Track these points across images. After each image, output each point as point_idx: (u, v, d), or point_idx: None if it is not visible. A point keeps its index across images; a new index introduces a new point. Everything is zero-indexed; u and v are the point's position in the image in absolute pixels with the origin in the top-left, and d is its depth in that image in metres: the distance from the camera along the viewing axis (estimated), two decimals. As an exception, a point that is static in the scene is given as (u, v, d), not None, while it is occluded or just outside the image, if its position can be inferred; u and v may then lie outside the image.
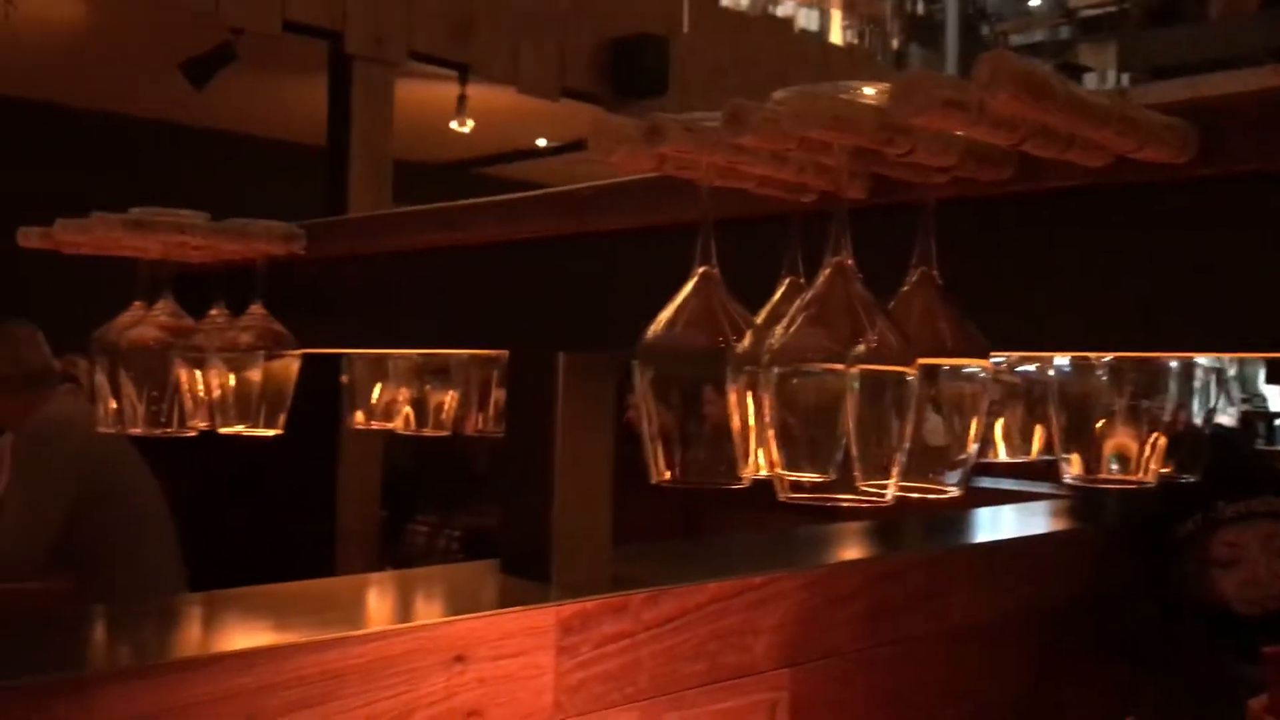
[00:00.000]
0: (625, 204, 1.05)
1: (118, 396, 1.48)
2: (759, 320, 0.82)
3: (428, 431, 1.67)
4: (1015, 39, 9.64)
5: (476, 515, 4.44)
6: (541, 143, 6.13)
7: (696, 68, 5.02)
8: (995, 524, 1.99)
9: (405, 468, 4.47)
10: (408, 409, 1.70)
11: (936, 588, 1.58)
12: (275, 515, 4.27)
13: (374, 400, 1.75)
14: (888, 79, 0.69)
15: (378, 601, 1.25)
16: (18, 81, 4.95)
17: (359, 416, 1.75)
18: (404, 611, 1.20)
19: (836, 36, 7.51)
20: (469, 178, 6.68)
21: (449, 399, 1.68)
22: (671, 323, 0.81)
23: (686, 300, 0.82)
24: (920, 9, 9.86)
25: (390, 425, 1.71)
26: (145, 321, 1.45)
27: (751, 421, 0.78)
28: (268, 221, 1.47)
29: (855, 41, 7.64)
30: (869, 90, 0.73)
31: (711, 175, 0.82)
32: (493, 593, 1.22)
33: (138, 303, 1.50)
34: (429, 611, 1.15)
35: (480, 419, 1.68)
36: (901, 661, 1.51)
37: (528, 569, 1.23)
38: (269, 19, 3.76)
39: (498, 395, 1.70)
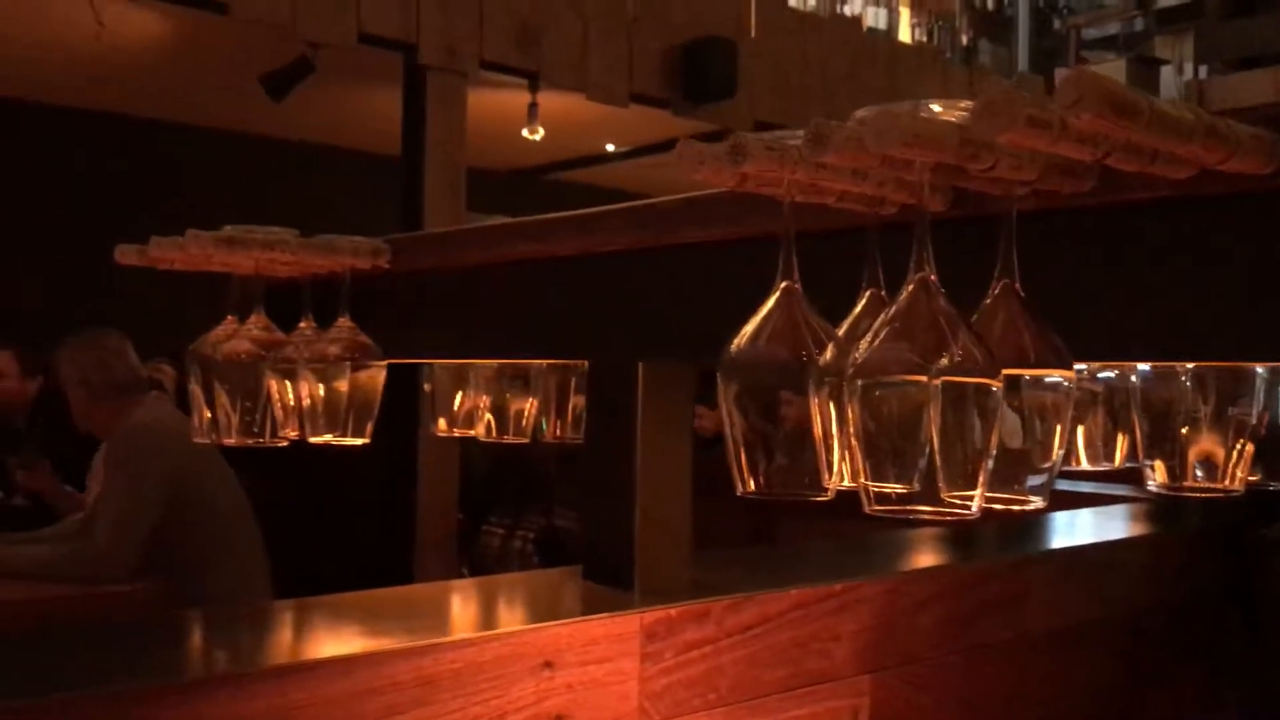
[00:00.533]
0: (706, 217, 1.07)
1: (212, 407, 1.53)
2: (841, 333, 0.83)
3: (509, 438, 1.70)
4: (1089, 32, 9.47)
5: (549, 517, 4.48)
6: (610, 148, 6.17)
7: (764, 69, 5.02)
8: (1073, 528, 1.97)
9: (479, 470, 4.53)
10: (489, 416, 1.74)
11: (1014, 594, 1.57)
12: (354, 519, 4.36)
13: (456, 408, 1.79)
14: (957, 77, 0.70)
15: (466, 608, 1.28)
16: (108, 96, 5.11)
17: (442, 424, 1.79)
18: (492, 618, 1.23)
19: (905, 34, 7.45)
20: (539, 183, 6.75)
21: (529, 406, 1.71)
22: (755, 336, 0.83)
23: (769, 314, 0.83)
24: (990, 4, 9.73)
25: (472, 432, 1.74)
26: (238, 335, 1.50)
27: (835, 433, 0.79)
28: (354, 237, 1.51)
29: (924, 39, 7.57)
30: (946, 106, 0.74)
31: (793, 191, 0.84)
32: (577, 600, 1.25)
33: (230, 316, 1.55)
34: (517, 618, 1.17)
35: (559, 426, 1.71)
36: (979, 668, 1.51)
37: (610, 576, 1.25)
38: (345, 32, 3.84)
39: (575, 402, 1.73)
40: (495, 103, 4.79)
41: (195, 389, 1.54)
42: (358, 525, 4.41)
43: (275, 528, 3.38)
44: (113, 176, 5.52)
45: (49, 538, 3.18)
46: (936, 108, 0.73)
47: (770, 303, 0.84)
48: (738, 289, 0.95)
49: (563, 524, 4.28)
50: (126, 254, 1.55)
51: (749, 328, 0.84)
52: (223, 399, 1.53)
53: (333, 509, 4.32)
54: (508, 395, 1.74)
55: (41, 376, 4.12)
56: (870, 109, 0.72)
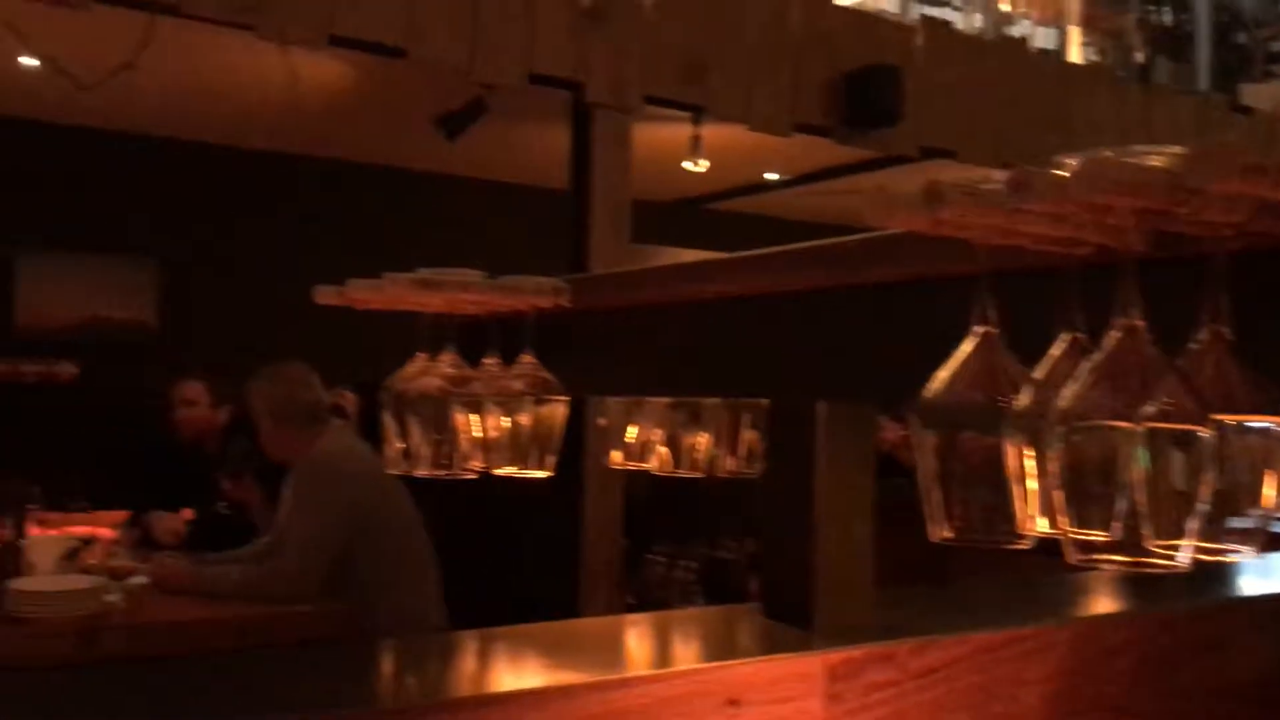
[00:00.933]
0: (892, 256, 1.07)
1: (404, 440, 1.61)
2: (1039, 377, 0.82)
3: (683, 472, 1.72)
4: (1277, 46, 9.00)
5: (711, 548, 4.50)
6: (772, 176, 6.17)
7: (930, 94, 4.95)
8: (1274, 572, 1.87)
9: (640, 498, 4.58)
10: (662, 450, 1.76)
11: (1213, 640, 1.51)
12: (519, 546, 4.46)
13: (629, 440, 1.82)
14: (1133, 97, 0.69)
15: (648, 643, 1.31)
16: (299, 139, 5.42)
17: (616, 456, 1.83)
18: (677, 654, 1.25)
19: (1076, 54, 7.23)
20: (700, 213, 6.80)
21: (702, 440, 1.73)
22: (952, 381, 0.83)
23: (966, 360, 0.83)
24: (1167, 18, 9.35)
25: (646, 465, 1.77)
26: (429, 372, 1.57)
27: (1033, 480, 0.78)
28: (537, 278, 1.57)
29: (1096, 58, 7.33)
30: (1152, 151, 0.72)
31: (989, 235, 0.83)
32: (758, 638, 1.25)
33: (421, 353, 1.63)
34: (699, 655, 1.19)
35: (733, 460, 1.72)
36: (1175, 717, 1.45)
37: (790, 615, 1.25)
38: (516, 73, 3.96)
39: (748, 436, 1.74)
40: (659, 136, 4.86)
41: (389, 422, 1.61)
42: (523, 551, 4.50)
43: (444, 553, 3.48)
44: (298, 213, 5.83)
45: (242, 559, 3.36)
46: (1141, 151, 0.72)
47: (967, 347, 0.83)
48: (924, 328, 0.95)
49: (726, 556, 4.30)
50: (326, 295, 1.64)
51: (945, 372, 0.83)
52: (414, 432, 1.60)
53: (499, 535, 4.43)
54: (680, 429, 1.76)
55: (230, 405, 4.37)
56: (1075, 156, 0.72)
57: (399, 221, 5.90)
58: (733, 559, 4.33)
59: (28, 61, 3.74)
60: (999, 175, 0.76)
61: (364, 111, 4.91)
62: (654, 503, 4.62)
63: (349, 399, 4.36)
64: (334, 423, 3.51)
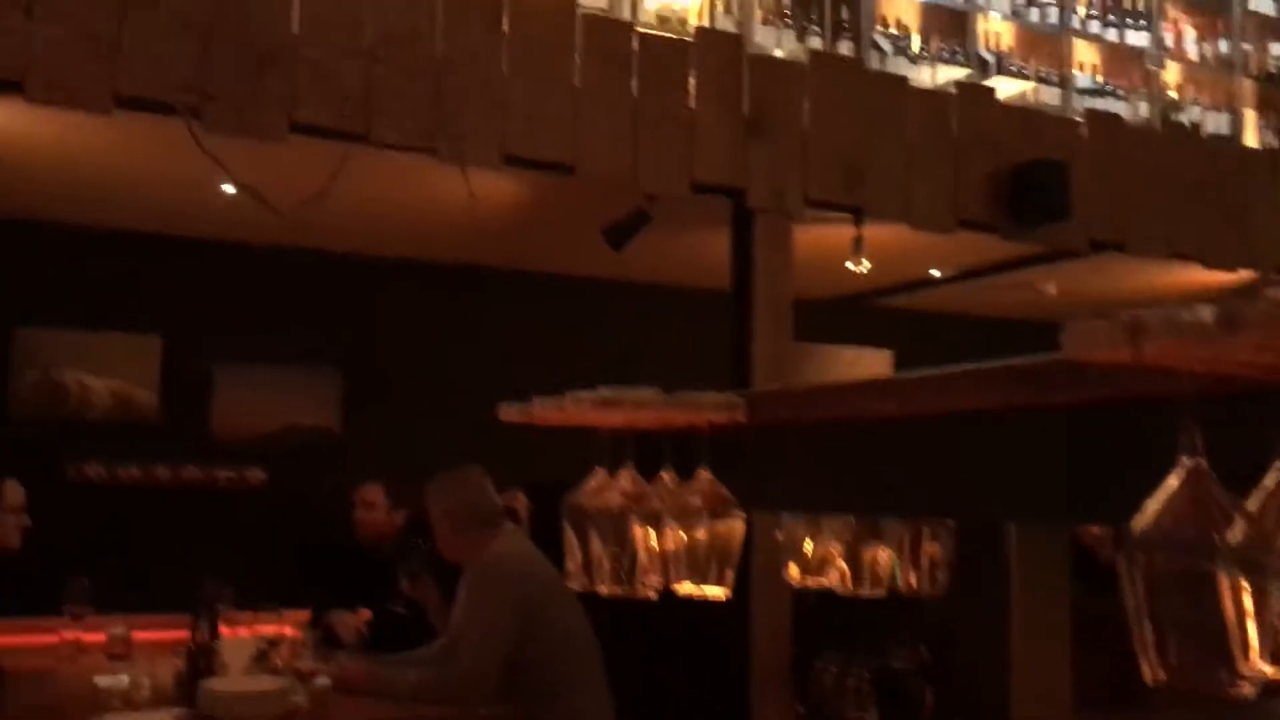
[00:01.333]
0: (1083, 379, 1.05)
1: (585, 554, 1.64)
2: (1254, 509, 0.79)
3: (864, 591, 1.70)
4: None
5: (883, 657, 4.37)
6: (935, 273, 6.10)
7: (1100, 187, 4.85)
8: None
9: (810, 604, 4.50)
10: (842, 565, 1.74)
11: None
12: (689, 652, 4.43)
13: (807, 555, 1.81)
14: None
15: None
16: (476, 252, 5.67)
17: (794, 572, 1.82)
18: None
19: (1252, 138, 6.98)
20: (863, 309, 6.76)
21: (883, 556, 1.70)
22: (1160, 515, 0.81)
23: (1175, 493, 0.81)
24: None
25: (826, 582, 1.76)
26: (609, 487, 1.60)
27: (1254, 620, 0.75)
28: (713, 393, 1.59)
29: (1275, 142, 7.06)
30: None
31: (1194, 365, 0.82)
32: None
33: (600, 469, 1.67)
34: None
35: (915, 577, 1.69)
36: None
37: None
38: (679, 183, 4.06)
39: (930, 550, 1.71)
40: (820, 236, 4.88)
41: (570, 537, 1.65)
42: (692, 658, 4.47)
43: (614, 657, 3.48)
44: (473, 321, 6.06)
45: (419, 661, 3.43)
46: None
47: (1175, 481, 0.81)
48: (1121, 451, 0.93)
49: (900, 665, 4.16)
50: (510, 412, 1.71)
51: (1153, 505, 0.81)
52: (595, 546, 1.63)
53: (668, 640, 4.40)
54: (860, 543, 1.74)
55: (408, 507, 4.51)
56: (1285, 288, 0.71)
57: (568, 326, 6.06)
58: (907, 669, 4.20)
59: (227, 189, 4.02)
60: (1203, 308, 0.75)
61: (535, 223, 5.10)
62: (823, 609, 4.53)
63: (521, 502, 4.46)
64: (507, 526, 3.59)
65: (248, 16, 3.38)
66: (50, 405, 5.33)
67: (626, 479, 1.60)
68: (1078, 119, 5.29)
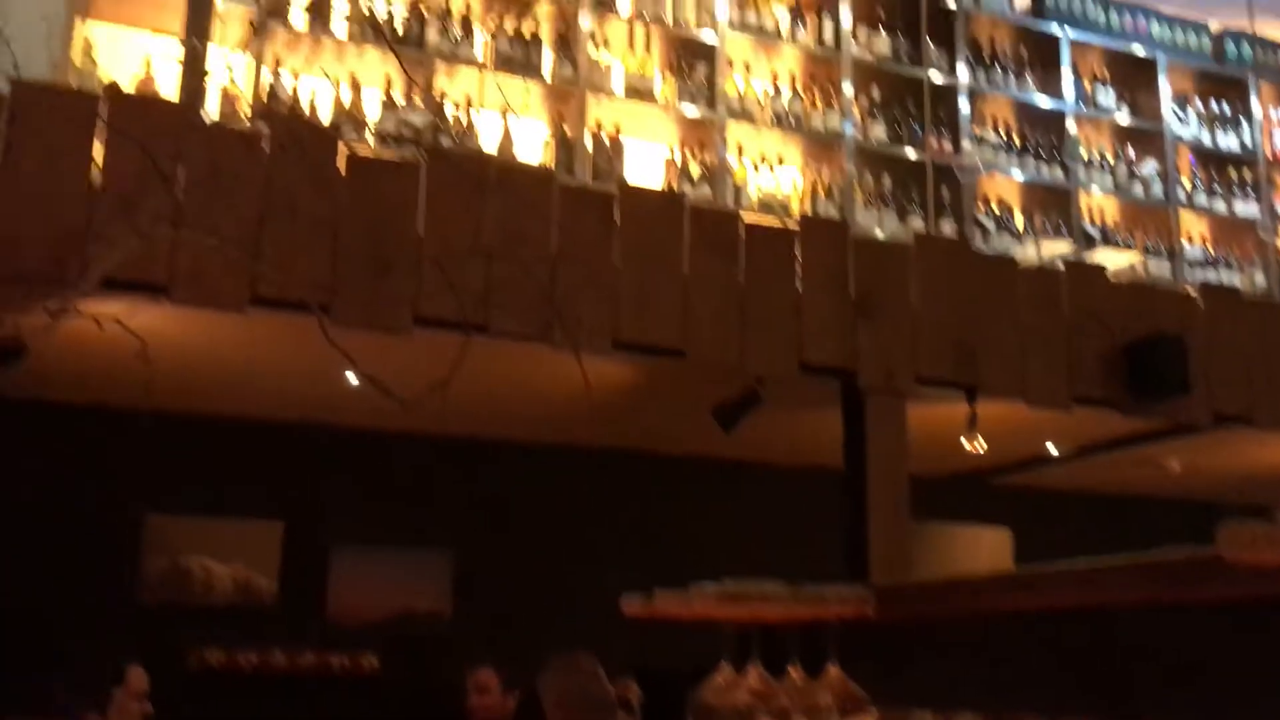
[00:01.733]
0: (1240, 578, 1.02)
1: (711, 755, 1.60)
2: None
3: (1005, 794, 1.62)
4: None
5: None
6: (1053, 450, 5.98)
7: (1220, 362, 4.75)
8: None
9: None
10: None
11: None
12: None
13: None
14: None
15: None
16: (586, 433, 5.76)
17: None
18: None
19: (1378, 303, 6.79)
20: (979, 487, 6.63)
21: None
22: None
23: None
24: None
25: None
26: (736, 685, 1.58)
27: None
28: (840, 587, 1.58)
29: (1403, 307, 6.85)
30: None
31: (1354, 570, 0.79)
32: None
33: (725, 664, 1.65)
34: None
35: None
36: None
37: None
38: (788, 365, 4.11)
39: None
40: (933, 414, 4.84)
41: (696, 735, 1.62)
42: None
43: None
44: (584, 502, 6.10)
45: None
46: None
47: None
48: (1266, 649, 0.90)
49: None
50: (632, 606, 1.71)
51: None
52: (722, 747, 1.59)
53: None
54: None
55: (521, 690, 4.46)
56: None
57: (679, 506, 6.06)
58: None
59: (350, 378, 4.18)
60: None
61: (647, 405, 5.18)
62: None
63: (634, 692, 4.38)
64: (620, 715, 3.52)
65: (377, 221, 3.59)
66: (176, 591, 5.47)
67: (754, 677, 1.58)
68: (1191, 291, 5.23)
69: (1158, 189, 7.71)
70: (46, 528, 5.17)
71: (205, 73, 5.26)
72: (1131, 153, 7.85)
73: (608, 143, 6.56)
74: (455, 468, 5.96)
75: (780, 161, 7.01)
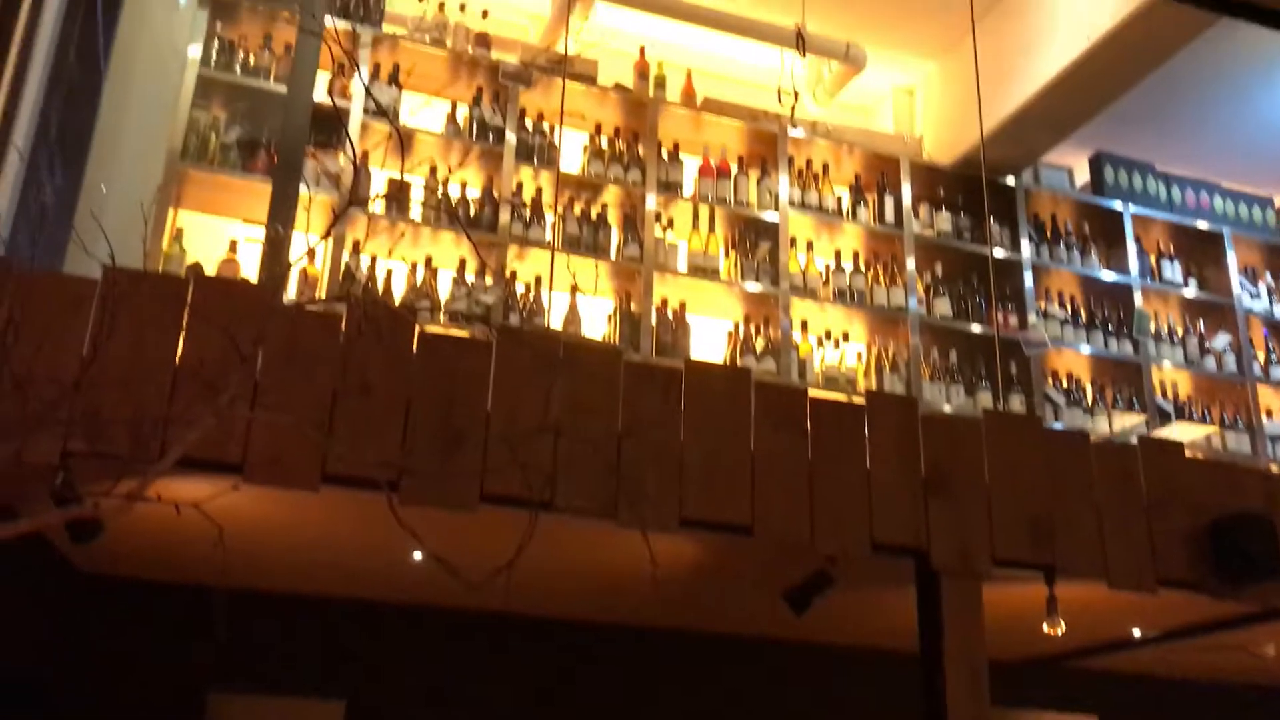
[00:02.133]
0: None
1: None
2: None
3: None
4: None
5: None
6: (1137, 633, 5.73)
7: (1311, 540, 4.56)
8: None
9: None
10: None
11: None
12: None
13: None
14: None
15: None
16: (654, 613, 5.64)
17: None
18: None
19: None
20: (1061, 671, 6.36)
21: None
22: None
23: None
24: None
25: None
26: None
27: None
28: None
29: None
30: None
31: None
32: None
33: None
34: None
35: None
36: None
37: None
38: (859, 544, 4.02)
39: None
40: (1011, 595, 4.69)
41: None
42: None
43: None
44: (653, 682, 5.94)
45: None
46: None
47: None
48: None
49: None
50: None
51: None
52: None
53: None
54: None
55: None
56: None
57: (749, 688, 5.87)
58: None
59: (416, 556, 4.17)
60: None
61: (715, 585, 5.08)
62: None
63: None
64: None
65: (448, 399, 3.64)
66: (235, 772, 5.36)
67: None
68: (1276, 468, 5.08)
69: (1231, 362, 7.60)
70: (108, 705, 5.13)
71: (289, 263, 5.47)
72: (1202, 326, 7.78)
73: (672, 319, 6.66)
74: (521, 647, 5.85)
75: (846, 337, 7.04)
